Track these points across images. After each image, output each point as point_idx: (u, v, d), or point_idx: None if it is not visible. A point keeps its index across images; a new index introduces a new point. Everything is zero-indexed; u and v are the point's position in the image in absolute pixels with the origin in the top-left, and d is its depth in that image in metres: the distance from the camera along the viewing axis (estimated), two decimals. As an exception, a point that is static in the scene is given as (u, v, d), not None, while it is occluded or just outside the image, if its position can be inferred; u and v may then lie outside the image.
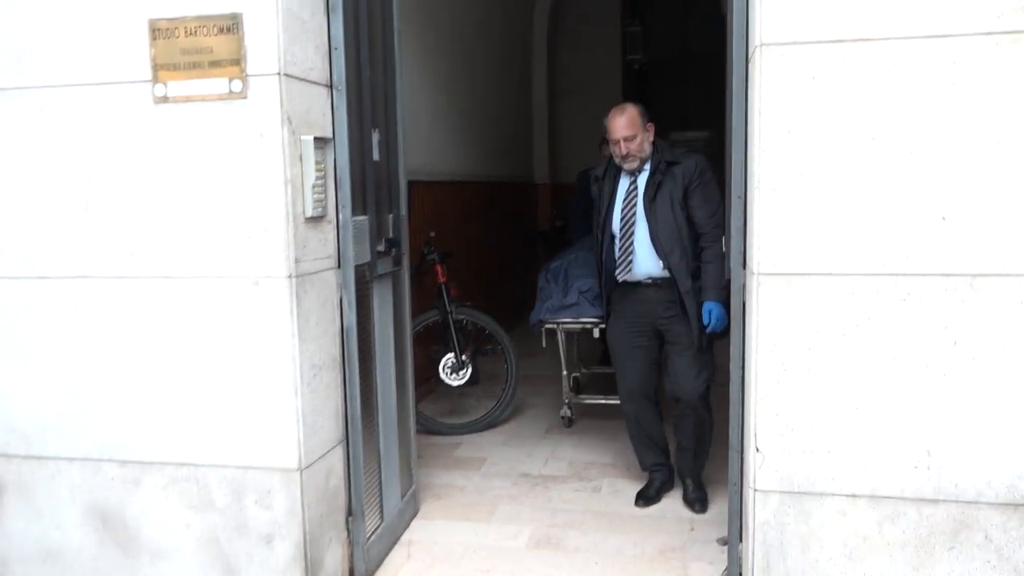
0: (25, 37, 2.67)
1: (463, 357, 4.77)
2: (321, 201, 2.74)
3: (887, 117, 2.20)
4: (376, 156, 3.20)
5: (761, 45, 2.25)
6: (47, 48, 2.66)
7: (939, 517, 2.30)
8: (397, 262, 3.42)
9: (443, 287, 4.86)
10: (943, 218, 2.20)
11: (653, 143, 3.48)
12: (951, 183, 2.19)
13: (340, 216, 2.90)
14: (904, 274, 2.23)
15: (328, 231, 2.85)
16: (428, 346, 4.91)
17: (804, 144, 2.25)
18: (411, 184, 3.88)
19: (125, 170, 2.66)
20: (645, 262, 3.47)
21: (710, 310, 3.31)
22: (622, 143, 3.42)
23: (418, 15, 5.25)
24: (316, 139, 2.67)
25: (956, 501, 2.28)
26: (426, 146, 5.55)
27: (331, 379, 2.87)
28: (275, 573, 2.74)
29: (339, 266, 2.93)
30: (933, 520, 2.30)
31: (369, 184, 3.09)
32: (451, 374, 4.81)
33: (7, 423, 2.88)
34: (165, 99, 2.60)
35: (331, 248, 2.88)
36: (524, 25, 8.90)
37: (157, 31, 2.58)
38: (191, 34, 2.55)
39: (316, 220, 2.75)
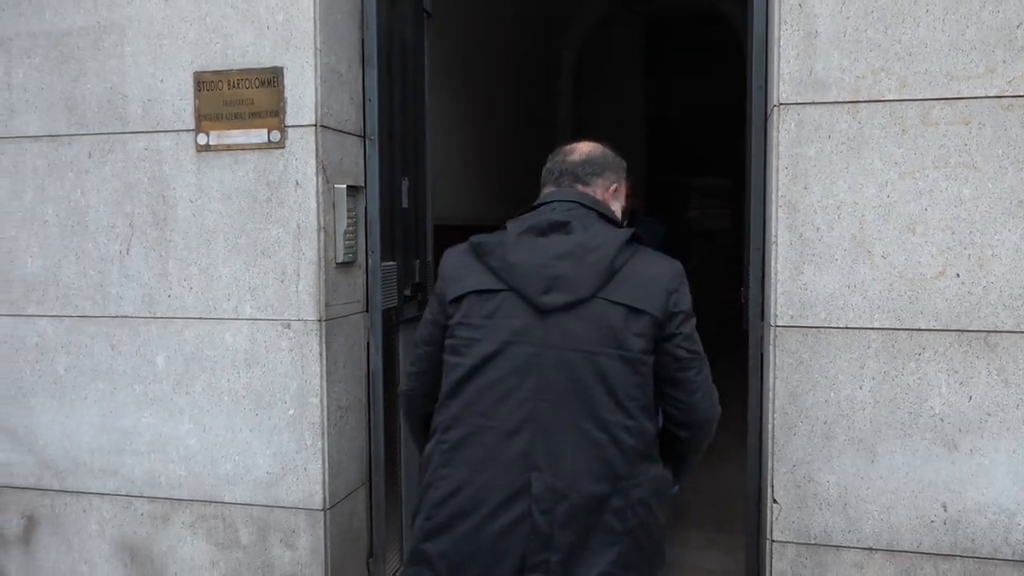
0: (75, 87, 2.81)
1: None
2: (352, 247, 2.84)
3: (902, 175, 2.27)
4: (405, 203, 3.30)
5: (779, 104, 2.33)
6: (95, 98, 2.80)
7: (955, 573, 2.30)
8: (423, 306, 3.50)
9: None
10: (957, 275, 2.25)
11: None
12: (965, 240, 2.24)
13: (370, 262, 2.99)
14: (919, 329, 2.28)
15: (358, 276, 2.95)
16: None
17: (821, 200, 2.31)
18: (440, 228, 3.98)
19: (166, 215, 2.77)
20: None
21: None
22: None
23: (452, 64, 5.41)
24: (349, 187, 2.78)
25: (973, 557, 2.29)
26: (456, 190, 5.68)
27: (357, 421, 2.93)
28: (296, 612, 2.78)
29: (367, 310, 3.01)
30: None
31: (397, 231, 3.19)
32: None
33: (42, 458, 2.97)
34: (207, 147, 2.72)
35: (360, 293, 2.97)
36: (551, 73, 9.10)
37: (202, 83, 2.71)
38: (234, 86, 2.68)
39: (347, 265, 2.85)
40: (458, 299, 1.76)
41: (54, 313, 2.91)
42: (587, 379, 1.69)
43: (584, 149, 1.92)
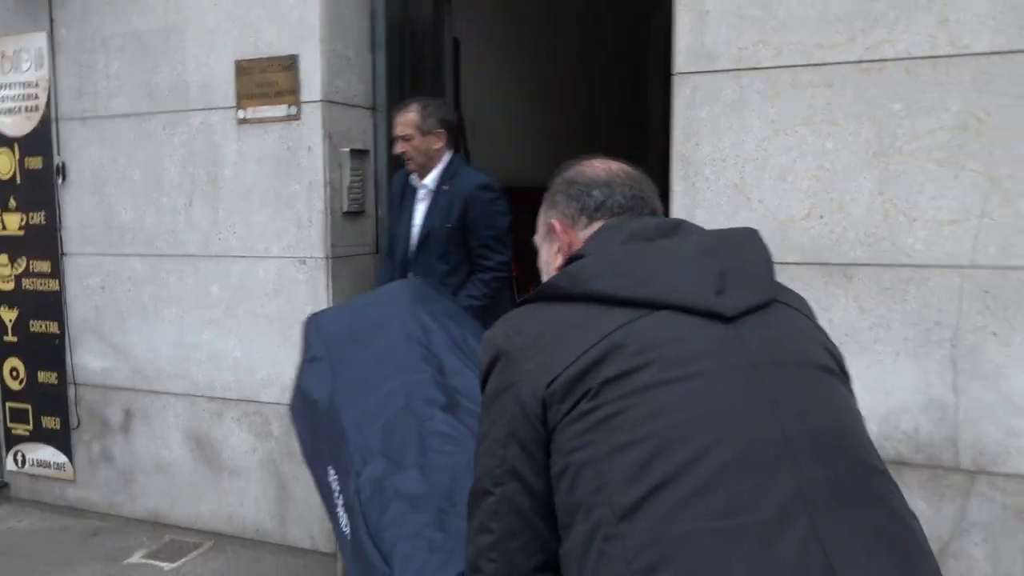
0: (150, 76, 3.61)
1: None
2: (358, 200, 3.49)
3: (776, 132, 2.66)
4: (418, 165, 3.92)
5: (676, 74, 2.77)
6: (166, 83, 3.58)
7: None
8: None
9: (514, 280, 5.53)
10: (821, 216, 2.63)
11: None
12: (828, 187, 2.61)
13: (378, 211, 3.64)
14: (789, 263, 2.67)
15: (367, 224, 3.60)
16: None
17: (710, 154, 2.74)
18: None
19: (216, 175, 3.53)
20: None
21: None
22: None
23: (493, 39, 5.98)
24: (353, 151, 3.42)
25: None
26: (503, 152, 6.24)
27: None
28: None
29: (376, 251, 3.67)
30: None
31: (408, 187, 3.82)
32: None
33: (134, 366, 3.83)
34: (245, 121, 3.45)
35: (370, 237, 3.63)
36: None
37: (240, 69, 3.43)
38: (263, 71, 3.38)
39: (354, 215, 3.50)
40: (576, 371, 1.07)
41: (141, 253, 3.75)
42: (839, 404, 1.13)
43: (627, 172, 1.37)
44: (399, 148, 3.16)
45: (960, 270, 2.51)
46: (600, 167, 1.37)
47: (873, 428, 2.49)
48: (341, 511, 1.78)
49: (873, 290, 2.60)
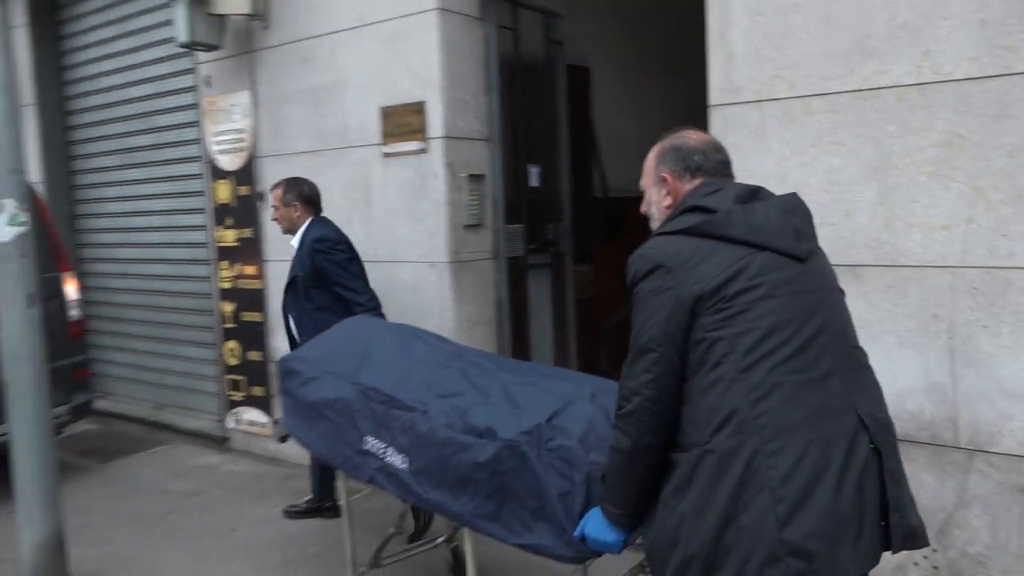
0: (321, 122, 4.61)
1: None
2: (476, 215, 4.28)
3: (792, 152, 3.11)
4: (535, 183, 4.66)
5: (710, 106, 3.29)
6: (333, 127, 4.56)
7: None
8: (556, 258, 4.84)
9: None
10: (832, 224, 3.06)
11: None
12: (836, 198, 3.04)
13: (497, 224, 4.41)
14: (807, 264, 3.12)
15: (485, 234, 4.38)
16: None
17: (738, 174, 3.22)
18: (619, 200, 5.26)
19: (368, 198, 4.46)
20: None
21: None
22: None
23: (620, 72, 6.54)
24: (470, 176, 4.21)
25: (849, 432, 3.09)
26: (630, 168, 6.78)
27: (485, 332, 4.39)
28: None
29: (496, 257, 4.44)
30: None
31: (523, 203, 4.56)
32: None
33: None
34: (389, 154, 4.34)
35: (488, 245, 4.40)
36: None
37: (385, 114, 4.33)
38: (400, 115, 4.26)
39: (474, 227, 4.29)
40: (719, 282, 1.70)
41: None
42: (846, 313, 1.87)
43: (715, 142, 2.01)
44: (272, 216, 4.09)
45: (952, 270, 2.85)
46: (696, 137, 2.00)
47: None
48: (395, 456, 2.56)
49: (879, 287, 2.99)
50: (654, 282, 1.77)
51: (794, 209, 1.88)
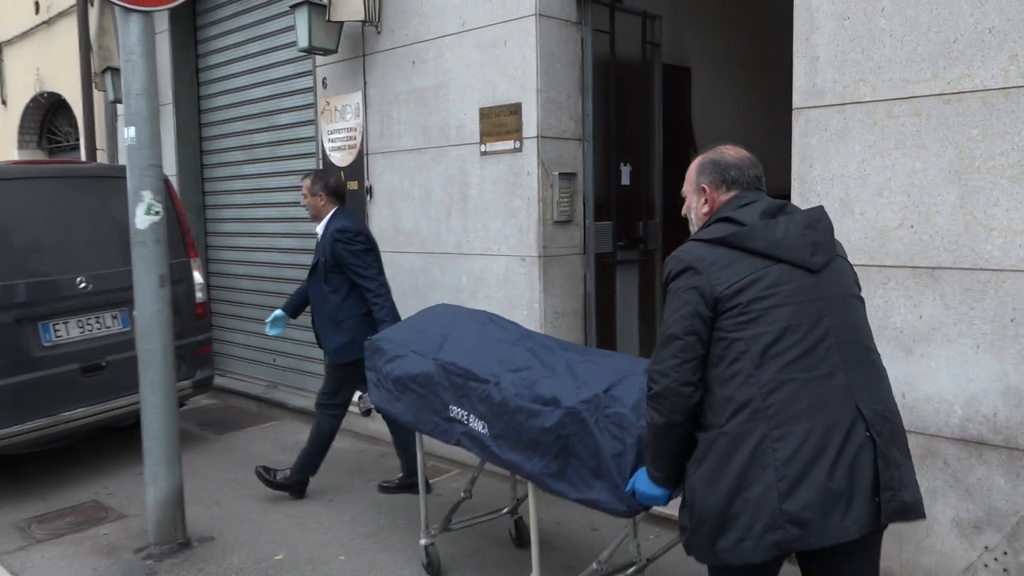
0: (425, 121, 4.89)
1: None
2: (566, 212, 4.46)
3: (874, 155, 3.15)
4: (626, 182, 4.80)
5: (794, 109, 3.36)
6: (436, 126, 4.84)
7: (912, 444, 3.13)
8: (644, 255, 4.97)
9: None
10: (911, 226, 3.08)
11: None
12: (917, 201, 3.06)
13: (586, 221, 4.58)
14: (885, 266, 3.15)
15: (575, 231, 4.56)
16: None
17: (820, 174, 3.29)
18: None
19: (465, 194, 4.71)
20: None
21: None
22: None
23: (719, 75, 6.56)
24: (561, 174, 4.40)
25: (923, 433, 3.11)
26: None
27: (571, 324, 4.56)
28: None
29: (584, 252, 4.60)
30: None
31: (613, 200, 4.71)
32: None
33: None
34: (485, 153, 4.58)
35: (577, 241, 4.58)
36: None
37: (483, 114, 4.57)
38: (497, 116, 4.48)
39: (563, 223, 4.47)
40: (736, 288, 1.96)
41: (417, 251, 5.06)
42: (859, 319, 2.07)
43: (750, 158, 2.24)
44: (301, 202, 4.48)
45: (1033, 274, 2.84)
46: (733, 153, 2.25)
47: (957, 411, 2.98)
48: (476, 423, 2.86)
49: (956, 290, 3.00)
50: (683, 281, 2.04)
51: (815, 223, 2.10)
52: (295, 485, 4.51)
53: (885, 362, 2.96)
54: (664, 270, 2.15)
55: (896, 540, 3.19)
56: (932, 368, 3.08)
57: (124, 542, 4.04)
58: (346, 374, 4.35)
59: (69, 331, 4.85)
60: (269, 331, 4.59)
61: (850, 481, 1.90)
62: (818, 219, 2.11)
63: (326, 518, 4.24)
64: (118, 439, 5.47)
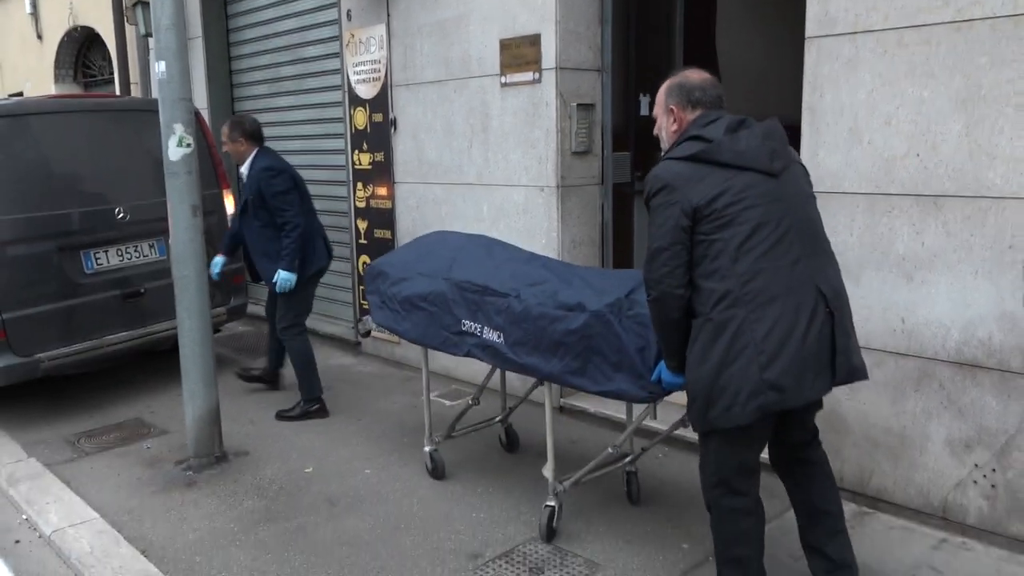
0: (447, 52, 4.96)
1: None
2: (584, 143, 4.54)
3: (883, 84, 3.19)
4: (645, 112, 4.85)
5: (807, 38, 3.39)
6: (457, 57, 4.90)
7: (909, 367, 3.26)
8: (662, 185, 5.03)
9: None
10: (917, 155, 3.13)
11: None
12: (923, 130, 3.10)
13: (604, 152, 4.65)
14: (891, 194, 3.21)
15: (593, 161, 4.64)
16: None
17: (831, 104, 3.33)
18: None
19: (486, 125, 4.80)
20: None
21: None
22: None
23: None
24: (579, 105, 4.46)
25: (921, 357, 3.22)
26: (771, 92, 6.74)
27: (588, 252, 4.68)
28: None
29: (602, 182, 4.69)
30: (905, 369, 3.27)
31: (631, 131, 4.77)
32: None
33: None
34: (505, 84, 4.65)
35: (595, 171, 4.66)
36: None
37: (503, 46, 4.62)
38: (517, 47, 4.54)
39: (582, 154, 4.56)
40: (710, 197, 2.27)
41: (440, 182, 5.19)
42: (814, 214, 2.44)
43: (712, 79, 2.54)
44: (223, 149, 4.89)
45: (1033, 202, 2.90)
46: (697, 76, 2.54)
47: (954, 335, 3.10)
48: (490, 333, 3.14)
49: (958, 218, 3.07)
50: (663, 197, 2.34)
51: (772, 133, 2.41)
52: (313, 411, 4.78)
53: (886, 289, 3.16)
54: (645, 187, 2.43)
55: (891, 458, 3.33)
56: (932, 294, 3.17)
57: (166, 455, 4.33)
58: (294, 297, 4.70)
59: (109, 259, 5.09)
60: (215, 276, 4.84)
61: (817, 349, 2.28)
62: (773, 129, 2.42)
63: (354, 436, 4.49)
64: (160, 362, 5.76)
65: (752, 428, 2.33)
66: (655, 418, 3.31)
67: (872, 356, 3.33)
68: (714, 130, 2.37)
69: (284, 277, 4.58)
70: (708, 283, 2.30)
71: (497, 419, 4.13)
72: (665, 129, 2.59)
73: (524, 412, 4.15)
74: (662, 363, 2.60)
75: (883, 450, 3.37)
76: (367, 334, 5.23)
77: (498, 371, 3.77)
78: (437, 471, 3.90)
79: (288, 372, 5.10)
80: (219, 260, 4.90)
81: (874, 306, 3.32)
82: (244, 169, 4.69)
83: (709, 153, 2.32)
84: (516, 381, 4.28)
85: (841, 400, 3.43)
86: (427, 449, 3.91)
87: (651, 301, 2.41)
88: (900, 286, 3.24)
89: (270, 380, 5.29)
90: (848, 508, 3.43)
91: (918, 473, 3.28)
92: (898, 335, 3.27)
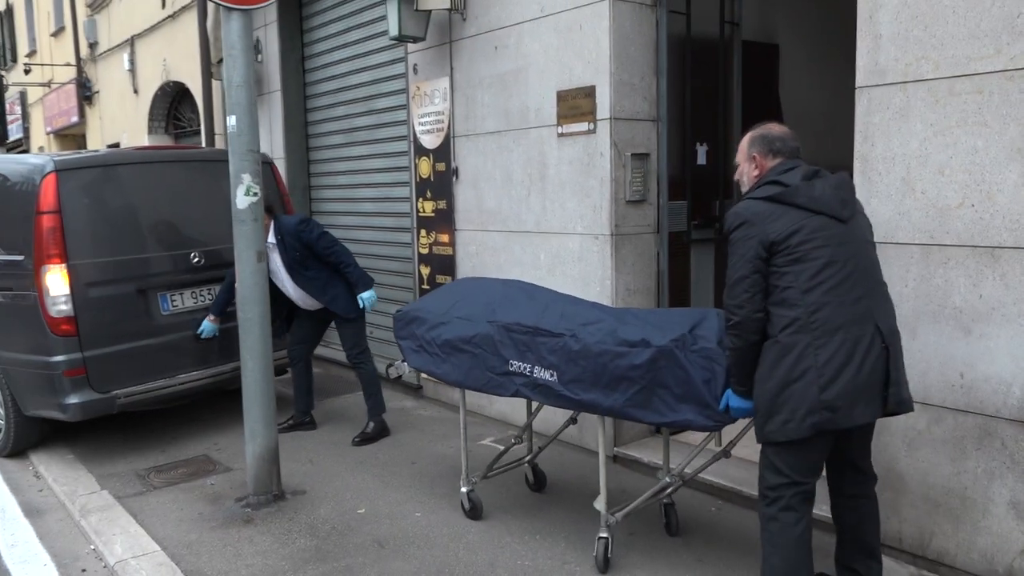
0: (506, 104, 5.08)
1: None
2: (639, 192, 4.57)
3: (935, 133, 3.13)
4: (702, 162, 4.86)
5: (857, 88, 3.36)
6: (516, 109, 5.02)
7: (969, 424, 3.13)
8: (719, 233, 5.01)
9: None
10: (972, 205, 3.06)
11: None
12: (978, 179, 3.03)
13: (660, 200, 4.67)
14: (946, 245, 3.13)
15: (648, 210, 4.66)
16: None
17: (882, 153, 3.29)
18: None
19: (543, 174, 4.89)
20: None
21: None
22: None
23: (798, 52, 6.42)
24: (633, 154, 4.51)
25: (981, 414, 3.09)
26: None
27: (643, 300, 4.68)
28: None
29: (658, 231, 4.71)
30: (965, 426, 3.14)
31: (688, 180, 4.78)
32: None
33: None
34: (562, 134, 4.74)
35: (651, 220, 4.68)
36: None
37: (560, 97, 4.72)
38: (573, 98, 4.63)
39: (636, 203, 4.59)
40: (786, 234, 2.56)
41: (499, 230, 5.28)
42: (874, 258, 2.72)
43: (791, 133, 2.84)
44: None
45: (1096, 254, 2.78)
46: (778, 129, 2.84)
47: (1016, 392, 2.99)
48: (542, 372, 3.26)
49: (1017, 270, 2.97)
50: (743, 232, 2.64)
51: (843, 184, 2.70)
52: (380, 431, 5.19)
53: (943, 342, 3.11)
54: (726, 224, 2.73)
55: (952, 520, 3.19)
56: (991, 348, 3.06)
57: (227, 492, 4.47)
58: (357, 325, 5.21)
59: (184, 301, 5.34)
60: (204, 337, 5.27)
61: (870, 379, 2.54)
62: (844, 181, 2.71)
63: (408, 478, 4.55)
64: (228, 401, 5.96)
65: (806, 445, 2.59)
66: (719, 445, 3.43)
67: (930, 412, 3.23)
68: (791, 177, 2.65)
69: (370, 294, 5.08)
70: (779, 310, 2.58)
71: (526, 459, 4.23)
72: (747, 174, 2.85)
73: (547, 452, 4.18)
74: (728, 392, 2.81)
75: (943, 511, 3.24)
76: (398, 378, 5.45)
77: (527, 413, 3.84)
78: (475, 511, 3.97)
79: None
80: (211, 328, 5.26)
81: (931, 360, 3.22)
82: (271, 239, 5.00)
83: (786, 196, 2.61)
84: (540, 423, 4.28)
85: (899, 458, 3.32)
86: (464, 489, 3.98)
87: (732, 326, 2.66)
88: (958, 339, 3.14)
89: (308, 422, 5.57)
90: (906, 571, 3.30)
91: (981, 537, 3.13)
92: (957, 391, 3.16)
